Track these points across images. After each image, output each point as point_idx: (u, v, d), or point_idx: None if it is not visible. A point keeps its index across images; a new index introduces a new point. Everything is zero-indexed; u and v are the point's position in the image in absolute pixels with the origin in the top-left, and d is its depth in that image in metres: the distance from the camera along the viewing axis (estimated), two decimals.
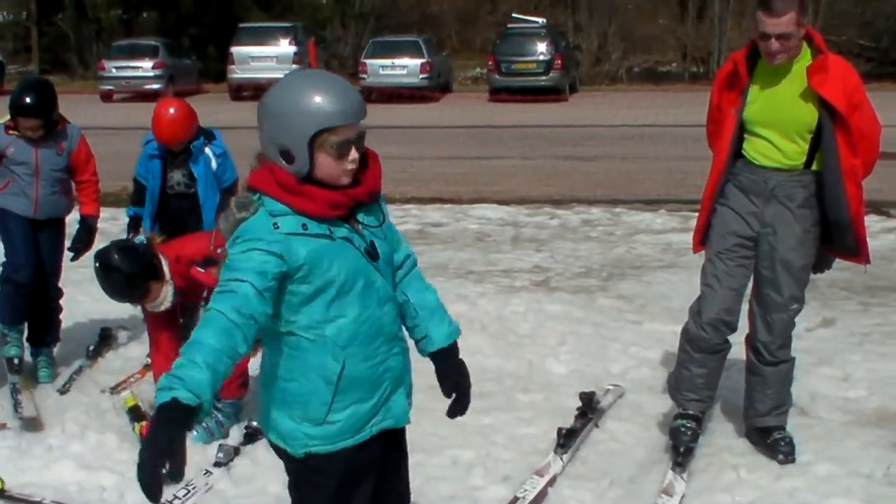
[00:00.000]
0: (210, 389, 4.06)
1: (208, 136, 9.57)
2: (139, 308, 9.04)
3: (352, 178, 4.39)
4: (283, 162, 4.32)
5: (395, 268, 4.71)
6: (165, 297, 7.80)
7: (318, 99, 4.25)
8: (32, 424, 8.38)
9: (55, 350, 9.84)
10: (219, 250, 7.81)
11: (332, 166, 4.32)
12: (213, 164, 9.44)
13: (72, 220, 9.64)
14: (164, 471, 3.89)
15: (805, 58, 6.91)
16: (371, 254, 4.46)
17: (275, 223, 4.27)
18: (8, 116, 9.04)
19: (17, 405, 8.73)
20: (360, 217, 4.48)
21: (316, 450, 4.56)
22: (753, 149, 7.15)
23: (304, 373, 4.47)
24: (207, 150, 9.47)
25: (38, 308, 9.57)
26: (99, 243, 11.65)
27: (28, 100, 8.84)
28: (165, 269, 7.74)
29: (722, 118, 7.22)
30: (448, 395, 5.10)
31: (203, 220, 9.48)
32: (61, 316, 9.89)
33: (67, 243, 9.65)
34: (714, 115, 7.38)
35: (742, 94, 7.08)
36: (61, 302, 9.83)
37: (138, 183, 9.77)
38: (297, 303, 4.36)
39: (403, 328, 4.79)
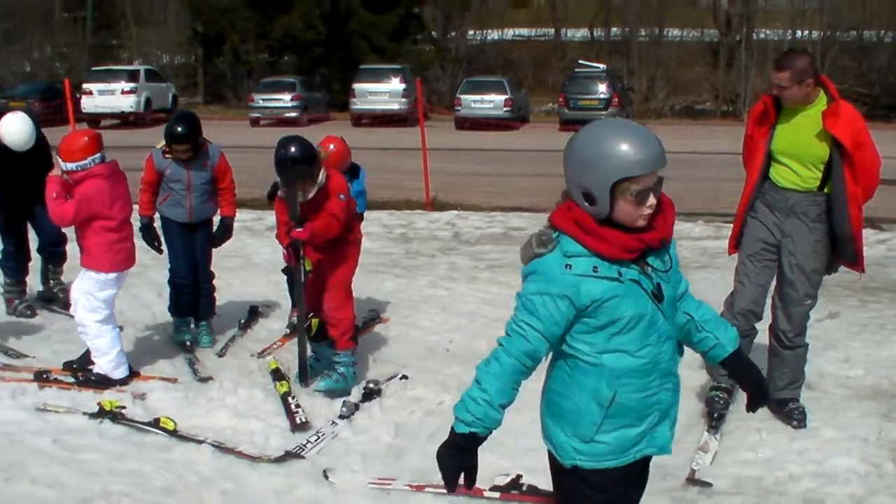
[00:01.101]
0: (500, 424, 4.16)
1: (354, 172, 9.61)
2: (285, 287, 9.25)
3: (647, 222, 3.98)
4: (585, 203, 3.95)
5: (676, 306, 4.24)
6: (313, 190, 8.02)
7: (623, 148, 3.85)
8: (206, 382, 8.54)
9: (213, 321, 9.97)
10: (340, 196, 8.08)
11: (630, 211, 3.90)
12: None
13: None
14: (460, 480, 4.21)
15: (821, 103, 7.08)
16: (657, 296, 4.03)
17: (568, 264, 3.92)
18: (163, 143, 9.20)
19: (195, 372, 8.85)
20: (650, 260, 4.03)
21: (583, 464, 4.18)
22: (777, 173, 7.27)
23: (578, 392, 4.11)
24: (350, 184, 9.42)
25: (200, 292, 9.76)
26: (245, 238, 11.68)
27: (179, 129, 9.04)
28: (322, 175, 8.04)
29: (754, 147, 7.34)
30: (750, 391, 4.40)
31: None
32: (216, 294, 10.00)
33: None
34: (748, 144, 7.45)
35: (770, 129, 7.19)
36: (215, 283, 9.94)
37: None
38: (582, 331, 4.02)
39: (678, 364, 4.27)
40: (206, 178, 9.35)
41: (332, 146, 9.55)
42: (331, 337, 8.52)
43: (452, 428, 4.13)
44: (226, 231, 9.77)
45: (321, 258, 8.35)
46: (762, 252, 7.41)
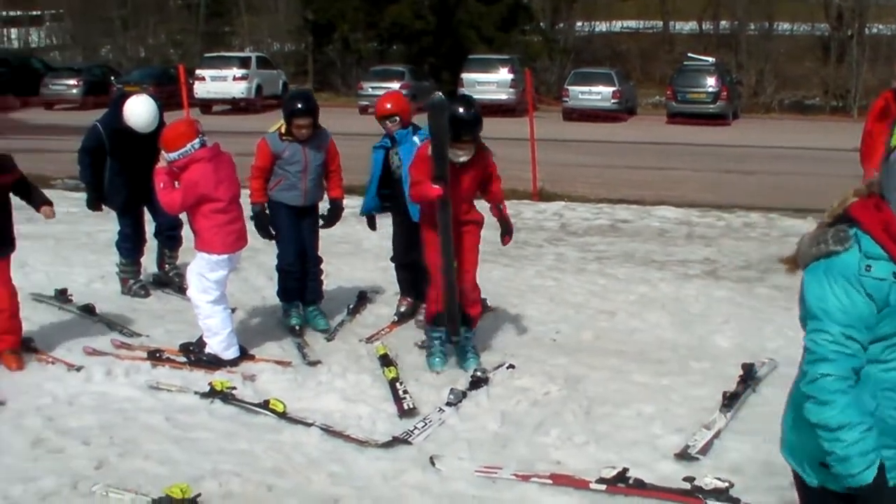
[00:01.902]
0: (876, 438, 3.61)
1: (415, 128, 9.57)
2: (393, 274, 9.32)
3: None
4: None
5: None
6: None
7: None
8: (315, 365, 8.59)
9: (322, 305, 10.02)
10: None
11: None
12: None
13: None
14: None
15: None
16: None
17: (868, 265, 3.58)
18: (277, 125, 9.31)
19: (304, 355, 8.91)
20: None
21: (829, 485, 3.76)
22: None
23: None
24: (415, 137, 9.42)
25: (309, 276, 9.80)
26: (354, 224, 11.70)
27: (301, 105, 9.16)
28: None
29: (873, 144, 7.14)
30: None
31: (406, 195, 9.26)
32: (323, 278, 10.06)
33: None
34: (866, 140, 7.29)
35: (892, 126, 6.97)
36: (323, 267, 9.98)
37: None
38: None
39: None
40: (321, 159, 9.40)
41: (388, 104, 9.56)
42: (470, 316, 8.65)
43: (860, 487, 3.62)
44: (336, 213, 9.86)
45: (462, 241, 8.48)
46: None
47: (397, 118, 9.42)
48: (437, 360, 8.58)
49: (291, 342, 9.32)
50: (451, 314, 8.49)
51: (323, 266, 10.03)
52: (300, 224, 9.60)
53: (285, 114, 9.18)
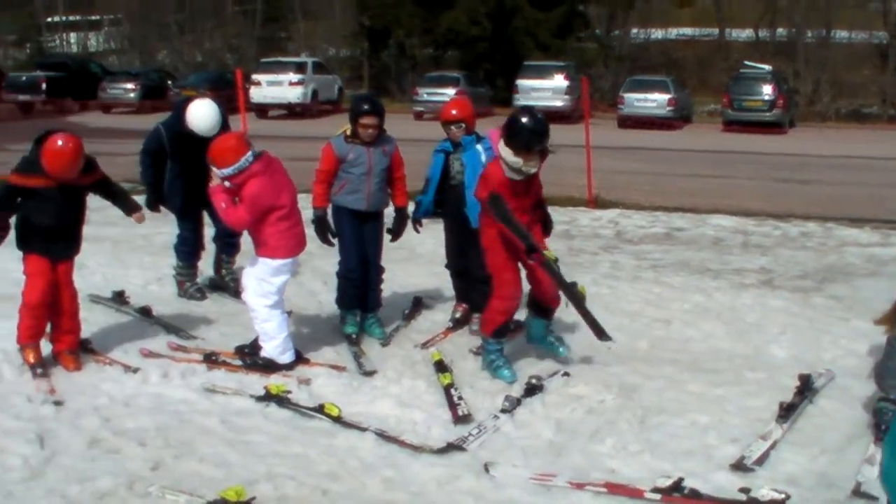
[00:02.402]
0: None
1: (479, 137, 9.53)
2: (448, 279, 9.32)
3: None
4: None
5: None
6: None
7: None
8: (371, 374, 8.60)
9: (378, 312, 10.01)
10: None
11: None
12: (483, 158, 9.05)
13: None
14: None
15: None
16: None
17: None
18: (343, 129, 9.34)
19: (360, 365, 8.87)
20: None
21: None
22: None
23: None
24: (478, 145, 9.29)
25: (369, 284, 9.78)
26: (407, 231, 11.80)
27: (367, 105, 9.23)
28: None
29: None
30: None
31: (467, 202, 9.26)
32: (382, 287, 10.01)
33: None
34: None
35: None
36: (382, 276, 9.96)
37: (427, 180, 9.85)
38: None
39: None
40: (385, 164, 9.36)
41: (454, 110, 9.57)
42: (553, 309, 8.78)
43: None
44: (402, 222, 9.82)
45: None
46: None
47: (463, 125, 9.42)
48: (507, 372, 8.47)
49: (347, 350, 9.30)
50: (592, 323, 8.49)
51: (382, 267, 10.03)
52: (363, 230, 9.54)
53: (352, 114, 9.18)
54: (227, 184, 8.29)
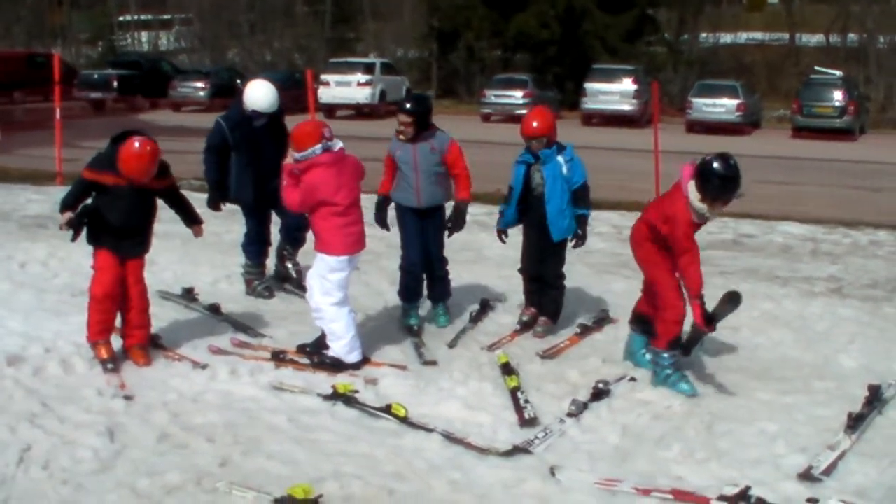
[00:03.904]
0: None
1: (560, 147, 9.53)
2: (518, 282, 9.32)
3: None
4: None
5: None
6: None
7: None
8: (432, 364, 8.88)
9: (449, 305, 10.24)
10: None
11: None
12: (564, 169, 9.37)
13: None
14: None
15: None
16: None
17: None
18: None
19: (420, 355, 9.06)
20: None
21: None
22: None
23: None
24: (559, 157, 9.41)
25: (433, 277, 10.05)
26: (477, 232, 11.74)
27: (406, 103, 9.62)
28: None
29: None
30: None
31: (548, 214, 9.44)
32: (450, 277, 10.22)
33: None
34: None
35: None
36: (448, 268, 10.16)
37: (510, 188, 9.81)
38: None
39: None
40: (433, 160, 9.54)
41: (535, 119, 9.50)
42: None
43: None
44: (459, 215, 9.87)
45: None
46: None
47: (544, 139, 9.42)
48: (686, 385, 8.31)
49: (410, 344, 9.44)
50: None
51: (449, 267, 10.19)
52: (423, 225, 9.79)
53: (396, 112, 9.65)
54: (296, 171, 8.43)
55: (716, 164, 7.88)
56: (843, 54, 59.40)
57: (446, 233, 9.97)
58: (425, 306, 10.25)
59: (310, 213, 8.58)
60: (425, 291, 10.18)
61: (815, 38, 64.94)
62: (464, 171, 9.74)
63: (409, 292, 10.02)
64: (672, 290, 8.32)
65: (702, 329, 8.12)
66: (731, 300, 8.09)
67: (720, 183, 7.89)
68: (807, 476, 6.71)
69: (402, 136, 9.50)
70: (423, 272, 10.00)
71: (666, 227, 8.13)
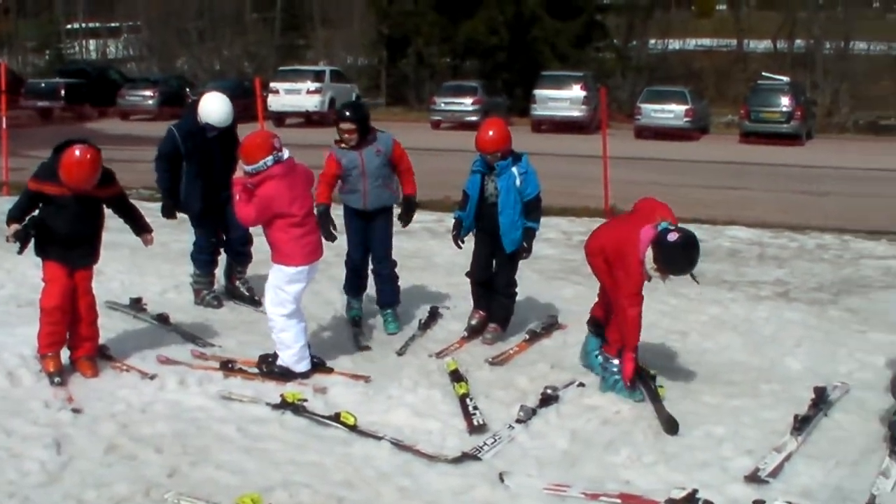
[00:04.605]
0: None
1: (516, 157, 9.58)
2: (466, 288, 9.32)
3: None
4: None
5: None
6: None
7: None
8: (366, 349, 9.53)
9: (398, 312, 10.39)
10: None
11: None
12: (518, 181, 9.42)
13: None
14: None
15: None
16: None
17: None
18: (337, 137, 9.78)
19: (358, 343, 9.67)
20: None
21: None
22: None
23: None
24: (514, 168, 9.44)
25: (379, 279, 10.26)
26: (426, 239, 11.79)
27: (345, 111, 9.78)
28: None
29: None
30: None
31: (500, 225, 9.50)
32: (400, 284, 10.38)
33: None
34: None
35: None
36: (397, 271, 10.33)
37: (465, 193, 9.85)
38: None
39: None
40: (379, 163, 9.76)
41: (490, 132, 9.48)
42: None
43: None
44: (409, 208, 10.18)
45: None
46: None
47: (498, 153, 9.45)
48: (638, 392, 8.30)
49: (353, 338, 9.72)
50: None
51: (398, 271, 10.36)
52: (369, 227, 10.06)
53: (335, 121, 9.83)
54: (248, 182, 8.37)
55: (675, 244, 7.85)
56: (790, 60, 59.98)
57: (400, 224, 10.22)
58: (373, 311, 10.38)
59: (265, 226, 8.51)
60: (372, 291, 10.42)
61: (762, 45, 65.59)
62: (408, 168, 10.03)
63: (351, 286, 10.36)
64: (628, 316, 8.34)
65: (624, 382, 8.18)
66: (668, 425, 7.99)
67: (675, 262, 7.94)
68: (753, 478, 6.77)
69: (345, 145, 9.67)
70: (366, 269, 10.32)
71: (619, 270, 8.21)
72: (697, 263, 8.03)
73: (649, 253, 7.92)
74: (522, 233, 9.54)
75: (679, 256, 7.90)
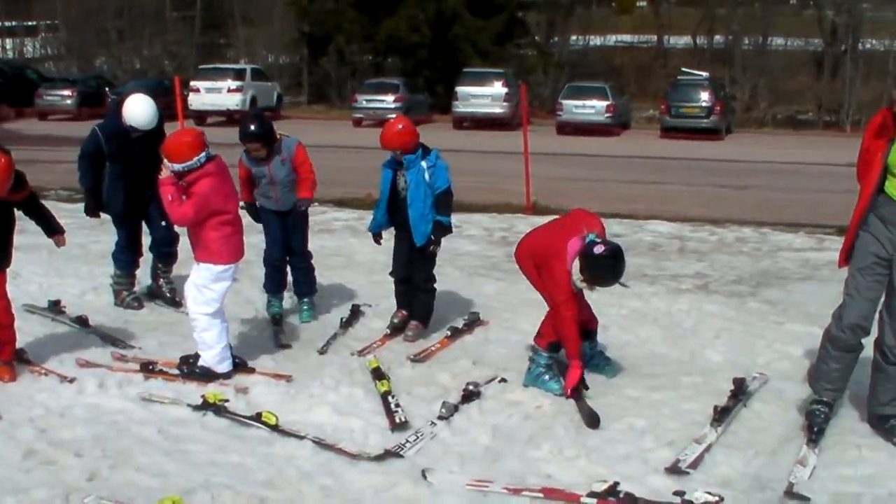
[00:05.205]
0: None
1: (425, 151, 9.62)
2: (388, 286, 9.34)
3: None
4: None
5: None
6: None
7: None
8: (287, 347, 9.58)
9: (316, 308, 10.55)
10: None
11: None
12: (426, 175, 9.46)
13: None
14: None
15: None
16: None
17: None
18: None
19: (278, 340, 9.71)
20: None
21: None
22: (893, 187, 7.08)
23: None
24: (422, 162, 9.48)
25: (296, 272, 10.53)
26: (347, 237, 11.76)
27: (250, 129, 9.78)
28: None
29: (870, 160, 7.15)
30: None
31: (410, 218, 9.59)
32: (321, 281, 10.65)
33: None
34: (863, 157, 7.28)
35: (888, 143, 7.00)
36: (312, 263, 10.58)
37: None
38: None
39: None
40: (286, 171, 9.99)
41: (399, 126, 9.59)
42: (595, 330, 9.00)
43: None
44: (304, 203, 10.34)
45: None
46: (873, 266, 7.21)
47: (398, 151, 9.48)
48: (555, 385, 8.35)
49: (273, 336, 9.75)
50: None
51: (314, 263, 10.61)
52: (284, 223, 10.30)
53: (239, 136, 9.82)
54: (179, 181, 8.26)
55: (602, 256, 7.86)
56: (709, 56, 60.60)
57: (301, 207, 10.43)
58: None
59: (195, 225, 8.38)
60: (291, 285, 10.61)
61: (682, 40, 66.17)
62: (309, 175, 10.16)
63: (272, 283, 10.50)
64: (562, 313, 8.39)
65: (566, 393, 8.20)
66: (590, 419, 8.04)
67: (601, 274, 7.96)
68: (674, 469, 6.82)
69: (256, 158, 9.91)
70: (285, 266, 10.49)
71: (547, 279, 8.23)
72: (624, 274, 8.06)
73: (576, 264, 7.95)
74: (432, 226, 9.58)
75: (605, 269, 7.94)
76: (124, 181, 10.29)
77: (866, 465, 6.98)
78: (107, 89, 47.27)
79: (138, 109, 10.04)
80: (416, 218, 9.48)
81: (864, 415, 7.71)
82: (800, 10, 68.78)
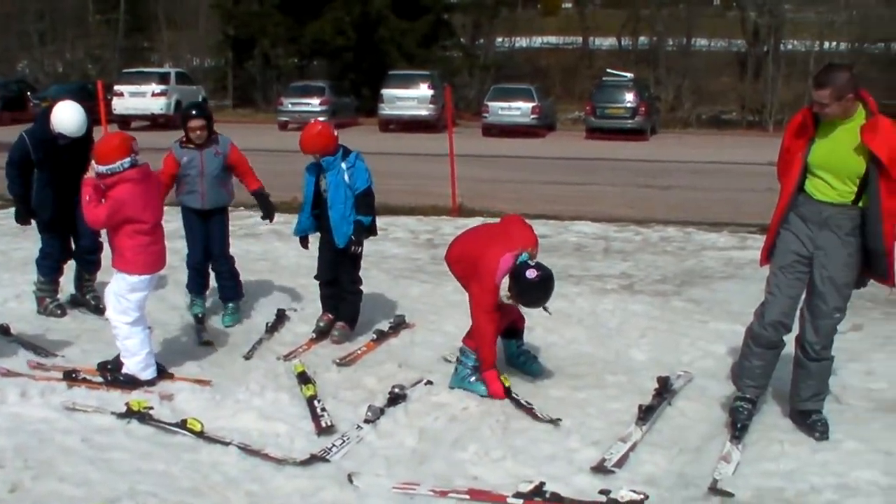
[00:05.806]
0: None
1: (345, 153, 9.63)
2: (314, 290, 9.32)
3: None
4: None
5: None
6: None
7: None
8: (209, 344, 9.72)
9: (241, 313, 10.57)
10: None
11: None
12: (346, 176, 9.50)
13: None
14: None
15: (859, 118, 7.00)
16: None
17: None
18: (181, 136, 10.05)
19: (200, 337, 9.90)
20: None
21: None
22: (813, 186, 7.20)
23: None
24: (342, 164, 9.53)
25: (219, 276, 10.60)
26: (273, 241, 11.73)
27: (194, 109, 10.14)
28: None
29: (790, 159, 7.27)
30: None
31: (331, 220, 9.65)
32: (245, 286, 10.64)
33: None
34: (784, 156, 7.40)
35: (808, 142, 7.12)
36: (237, 267, 10.63)
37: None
38: None
39: None
40: (217, 164, 10.11)
41: (318, 128, 9.64)
42: (521, 329, 9.08)
43: None
44: (265, 202, 10.65)
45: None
46: (794, 264, 7.33)
47: (319, 153, 9.51)
48: (482, 386, 8.34)
49: (196, 337, 9.80)
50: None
51: (239, 268, 10.66)
52: (206, 226, 10.36)
53: (182, 119, 10.01)
54: (100, 182, 8.19)
55: (532, 281, 7.90)
56: (634, 57, 61.03)
57: (266, 221, 10.81)
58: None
59: (111, 230, 8.33)
60: (214, 285, 10.68)
61: (607, 42, 66.65)
62: (249, 167, 10.44)
63: (194, 285, 10.64)
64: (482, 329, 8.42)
65: (501, 398, 8.23)
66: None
67: (529, 297, 8.04)
68: (600, 468, 6.86)
69: (192, 144, 9.96)
70: (207, 268, 10.60)
71: (475, 286, 8.22)
72: (548, 299, 8.12)
73: (506, 281, 8.00)
74: (353, 224, 9.60)
75: (533, 294, 8.00)
76: (53, 188, 10.19)
77: (789, 460, 7.07)
78: (29, 93, 46.74)
79: (67, 116, 9.93)
80: (337, 219, 9.52)
81: (787, 411, 7.81)
82: (723, 11, 69.48)
